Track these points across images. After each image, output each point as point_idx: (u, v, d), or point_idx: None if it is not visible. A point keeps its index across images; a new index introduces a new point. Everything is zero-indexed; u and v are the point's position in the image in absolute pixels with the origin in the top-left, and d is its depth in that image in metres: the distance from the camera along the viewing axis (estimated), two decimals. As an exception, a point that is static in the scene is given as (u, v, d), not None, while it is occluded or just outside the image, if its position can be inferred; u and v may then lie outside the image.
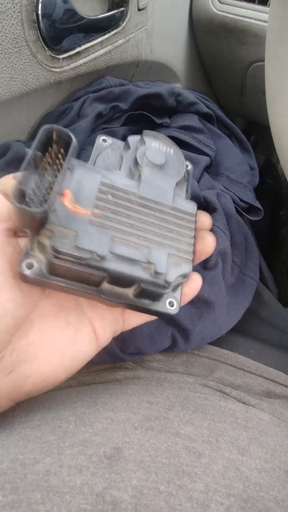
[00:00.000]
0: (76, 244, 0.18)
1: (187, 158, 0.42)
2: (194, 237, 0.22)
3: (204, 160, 0.41)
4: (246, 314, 0.35)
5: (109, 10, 0.42)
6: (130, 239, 0.20)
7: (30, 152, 0.18)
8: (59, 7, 0.35)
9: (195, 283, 0.23)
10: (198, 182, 0.39)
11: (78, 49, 0.39)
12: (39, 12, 0.32)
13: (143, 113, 0.43)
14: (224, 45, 0.61)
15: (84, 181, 0.20)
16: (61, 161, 0.19)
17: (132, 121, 0.44)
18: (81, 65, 0.40)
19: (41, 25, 0.33)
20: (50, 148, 0.19)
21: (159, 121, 0.44)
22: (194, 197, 0.36)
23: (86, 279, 0.19)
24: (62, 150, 0.19)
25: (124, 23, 0.44)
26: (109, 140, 0.24)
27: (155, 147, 0.23)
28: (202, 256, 0.24)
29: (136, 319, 0.24)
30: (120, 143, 0.24)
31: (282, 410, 0.27)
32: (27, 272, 0.19)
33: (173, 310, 0.22)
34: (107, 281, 0.20)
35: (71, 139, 0.19)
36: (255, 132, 0.92)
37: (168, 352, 0.33)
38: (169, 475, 0.18)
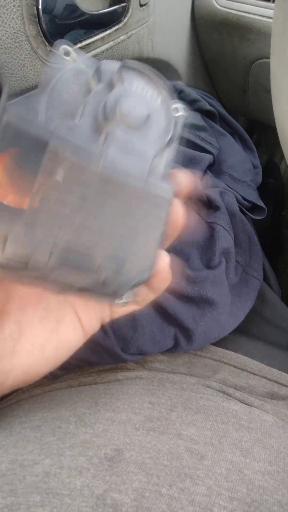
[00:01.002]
0: (5, 251, 0.14)
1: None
2: (163, 233, 0.17)
3: (207, 158, 0.40)
4: (250, 314, 0.35)
5: (110, 6, 0.42)
6: (80, 239, 0.15)
7: None
8: (60, 1, 0.34)
9: (163, 271, 0.18)
10: (201, 180, 0.39)
11: (79, 45, 0.38)
12: (40, 6, 0.32)
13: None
14: (226, 42, 0.61)
15: (23, 148, 0.14)
16: None
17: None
18: (82, 61, 0.40)
19: (42, 20, 0.33)
20: None
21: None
22: (198, 196, 0.35)
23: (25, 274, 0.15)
24: None
25: (126, 19, 0.43)
26: (73, 54, 0.16)
27: (136, 93, 0.16)
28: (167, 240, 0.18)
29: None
30: (90, 64, 0.16)
31: (286, 412, 0.27)
32: None
33: (120, 303, 0.17)
34: None
35: None
36: (257, 131, 0.92)
37: (171, 353, 0.33)
38: (171, 478, 0.18)
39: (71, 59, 0.16)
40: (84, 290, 0.16)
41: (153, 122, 0.16)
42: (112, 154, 0.15)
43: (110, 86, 0.16)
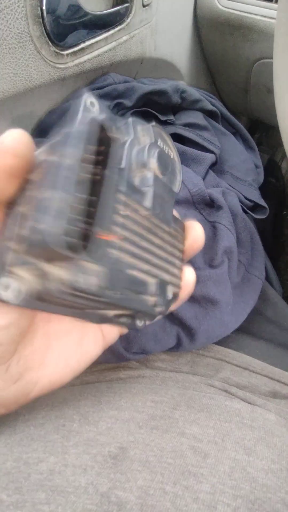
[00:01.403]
0: (104, 285, 0.14)
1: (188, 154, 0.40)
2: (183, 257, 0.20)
3: (209, 158, 0.40)
4: (252, 314, 0.35)
5: (113, 6, 0.42)
6: (147, 268, 0.17)
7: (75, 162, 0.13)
8: (64, 2, 0.34)
9: (187, 284, 0.21)
10: (204, 180, 0.39)
11: (82, 45, 0.38)
12: (44, 7, 0.32)
13: (147, 110, 0.43)
14: (228, 42, 0.61)
15: (109, 188, 0.15)
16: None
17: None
18: (85, 61, 0.40)
19: (46, 20, 0.33)
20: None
21: (163, 118, 0.43)
22: (200, 195, 0.36)
23: (82, 308, 0.16)
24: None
25: (129, 19, 0.43)
26: (96, 105, 0.17)
27: (162, 148, 0.20)
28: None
29: None
30: (110, 116, 0.18)
31: (288, 411, 0.27)
32: (9, 297, 0.14)
33: (141, 325, 0.19)
34: None
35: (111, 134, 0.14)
36: (259, 131, 0.92)
37: (173, 352, 0.33)
38: (175, 476, 0.18)
39: (96, 110, 0.17)
40: (118, 317, 0.18)
41: (171, 172, 0.20)
42: (154, 194, 0.18)
43: (138, 138, 0.19)
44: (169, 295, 0.19)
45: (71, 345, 0.20)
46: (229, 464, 0.19)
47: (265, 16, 0.53)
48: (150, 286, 0.17)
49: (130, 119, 0.19)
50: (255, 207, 0.44)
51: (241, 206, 0.40)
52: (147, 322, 0.19)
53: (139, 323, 0.19)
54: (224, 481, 0.18)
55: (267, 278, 0.42)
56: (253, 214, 0.43)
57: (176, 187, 0.20)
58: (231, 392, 0.28)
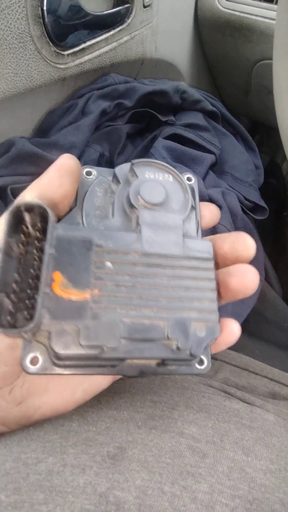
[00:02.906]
0: (80, 342, 0.15)
1: (190, 160, 0.40)
2: (216, 288, 0.18)
3: (209, 158, 0.41)
4: (251, 314, 0.35)
5: (114, 7, 0.42)
6: (143, 314, 0.17)
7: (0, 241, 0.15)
8: (64, 2, 0.34)
9: (231, 334, 0.19)
10: (204, 180, 0.39)
11: (83, 45, 0.38)
12: (44, 7, 0.32)
13: (147, 110, 0.43)
14: (229, 43, 0.61)
15: (74, 251, 0.17)
16: (40, 236, 0.16)
17: (136, 118, 0.43)
18: (86, 61, 0.40)
19: (46, 20, 0.33)
20: (24, 228, 0.16)
21: (163, 118, 0.44)
22: (200, 195, 0.36)
23: (102, 365, 0.17)
24: (39, 224, 0.16)
25: (129, 19, 0.44)
26: (94, 171, 0.20)
27: (150, 179, 0.20)
28: (238, 295, 0.19)
29: None
30: (108, 173, 0.20)
31: (287, 411, 0.27)
32: (32, 369, 0.16)
33: (203, 369, 0.18)
34: None
35: (46, 211, 0.16)
36: (260, 132, 0.92)
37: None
38: (173, 476, 0.18)
39: (93, 176, 0.20)
40: (163, 365, 0.17)
41: (172, 195, 0.20)
42: (147, 232, 0.18)
43: (128, 183, 0.20)
44: (199, 332, 0.17)
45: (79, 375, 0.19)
46: (228, 464, 0.19)
47: (265, 17, 0.53)
48: (156, 330, 0.17)
49: (116, 170, 0.20)
50: (255, 208, 0.44)
51: (241, 207, 0.40)
52: (202, 367, 0.18)
53: (198, 364, 0.18)
54: (222, 481, 0.18)
55: (267, 279, 0.42)
56: (253, 215, 0.43)
57: (187, 208, 0.19)
58: (230, 393, 0.28)
